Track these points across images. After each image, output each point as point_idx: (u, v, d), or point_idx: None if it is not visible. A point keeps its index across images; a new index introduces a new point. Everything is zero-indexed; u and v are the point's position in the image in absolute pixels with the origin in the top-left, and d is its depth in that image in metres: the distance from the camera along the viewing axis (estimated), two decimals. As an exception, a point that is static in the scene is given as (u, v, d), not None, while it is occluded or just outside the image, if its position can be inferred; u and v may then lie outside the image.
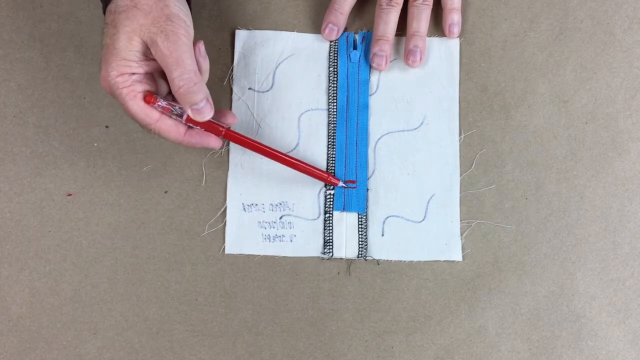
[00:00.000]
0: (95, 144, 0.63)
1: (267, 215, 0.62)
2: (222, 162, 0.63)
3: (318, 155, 0.63)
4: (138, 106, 0.54)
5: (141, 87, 0.54)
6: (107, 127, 0.63)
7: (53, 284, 0.61)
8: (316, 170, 0.60)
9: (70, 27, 0.64)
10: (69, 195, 0.62)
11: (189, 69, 0.53)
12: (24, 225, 0.62)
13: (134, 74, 0.54)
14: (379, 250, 0.61)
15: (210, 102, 0.55)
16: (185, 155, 0.63)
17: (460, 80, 0.64)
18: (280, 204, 0.62)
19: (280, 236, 0.62)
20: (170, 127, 0.55)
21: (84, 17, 0.64)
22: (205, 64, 0.57)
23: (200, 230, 0.62)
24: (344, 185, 0.61)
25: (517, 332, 0.61)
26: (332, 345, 0.61)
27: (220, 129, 0.57)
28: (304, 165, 0.60)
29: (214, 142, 0.58)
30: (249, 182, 0.62)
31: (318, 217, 0.62)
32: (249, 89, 0.63)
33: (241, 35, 0.64)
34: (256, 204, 0.62)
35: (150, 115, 0.54)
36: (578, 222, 0.62)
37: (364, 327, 0.61)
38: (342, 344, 0.61)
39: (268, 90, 0.63)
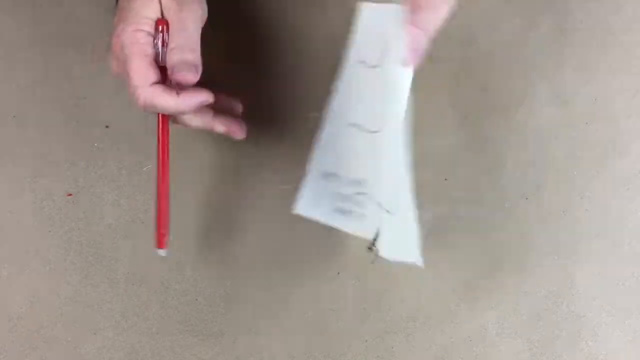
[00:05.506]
0: (95, 144, 0.63)
1: (344, 187, 0.57)
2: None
3: None
4: (138, 66, 0.51)
5: (152, 51, 0.52)
6: (107, 127, 0.63)
7: (53, 284, 0.61)
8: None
9: (70, 27, 0.64)
10: (69, 195, 0.62)
11: (192, 40, 0.51)
12: (24, 225, 0.62)
13: (150, 34, 0.51)
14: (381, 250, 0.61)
15: (199, 70, 0.52)
16: (185, 155, 0.63)
17: (460, 80, 0.64)
18: (358, 181, 0.57)
19: (349, 211, 0.58)
20: (163, 96, 0.52)
21: (84, 17, 0.64)
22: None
23: (200, 230, 0.62)
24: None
25: (517, 332, 0.61)
26: (332, 345, 0.61)
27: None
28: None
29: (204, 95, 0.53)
30: (331, 154, 0.57)
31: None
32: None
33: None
34: (336, 174, 0.58)
35: (148, 77, 0.51)
36: (578, 222, 0.62)
37: (364, 327, 0.61)
38: (342, 344, 0.61)
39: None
